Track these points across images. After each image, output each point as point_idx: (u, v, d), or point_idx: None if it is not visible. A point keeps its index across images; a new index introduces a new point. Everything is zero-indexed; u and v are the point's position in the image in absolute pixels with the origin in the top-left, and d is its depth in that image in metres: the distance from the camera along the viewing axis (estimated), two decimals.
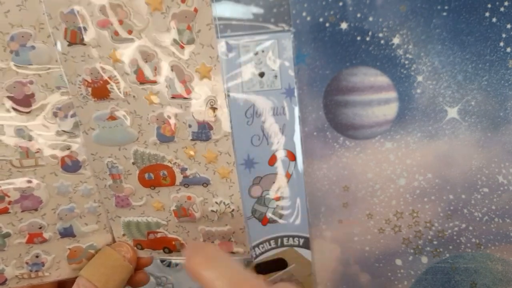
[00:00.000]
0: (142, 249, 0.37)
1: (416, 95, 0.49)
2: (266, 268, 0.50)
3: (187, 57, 0.32)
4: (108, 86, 0.33)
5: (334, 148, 0.50)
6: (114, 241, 0.37)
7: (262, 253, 0.50)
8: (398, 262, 0.49)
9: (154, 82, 0.32)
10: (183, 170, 0.34)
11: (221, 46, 0.47)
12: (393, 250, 0.49)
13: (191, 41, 0.31)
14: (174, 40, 0.31)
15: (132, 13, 0.31)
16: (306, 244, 0.49)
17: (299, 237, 0.49)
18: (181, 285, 0.49)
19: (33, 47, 0.32)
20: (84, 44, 0.32)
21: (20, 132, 0.33)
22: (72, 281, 0.35)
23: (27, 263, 0.35)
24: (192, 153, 0.34)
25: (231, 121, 0.33)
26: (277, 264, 0.50)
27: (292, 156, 0.49)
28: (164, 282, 0.48)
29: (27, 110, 0.33)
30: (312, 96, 0.49)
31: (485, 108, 0.49)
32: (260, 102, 0.49)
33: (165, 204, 0.35)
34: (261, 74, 0.49)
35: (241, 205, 0.35)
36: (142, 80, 0.32)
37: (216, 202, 0.35)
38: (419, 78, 0.49)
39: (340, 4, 0.49)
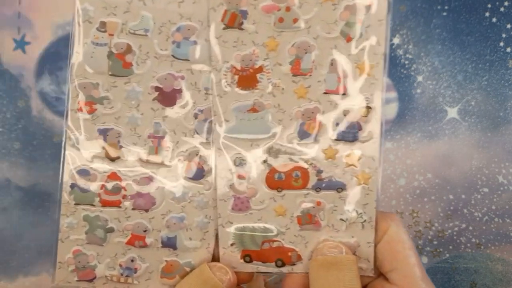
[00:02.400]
0: (250, 261, 0.33)
1: (416, 95, 0.49)
2: None
3: (350, 51, 0.30)
4: (258, 76, 0.31)
5: None
6: (213, 259, 0.34)
7: None
8: None
9: (308, 75, 0.31)
10: (318, 172, 0.32)
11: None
12: None
13: (360, 36, 0.30)
14: (341, 33, 0.30)
15: (302, 1, 0.30)
16: None
17: None
18: None
19: (194, 42, 0.31)
20: (242, 29, 0.30)
21: (157, 125, 0.32)
22: None
23: (120, 265, 0.33)
24: (331, 153, 0.32)
25: (382, 124, 0.31)
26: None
27: None
28: None
29: (170, 104, 0.32)
30: None
31: (485, 108, 0.49)
32: None
33: (289, 209, 0.32)
34: None
35: (374, 216, 0.32)
36: (297, 71, 0.31)
37: (348, 210, 0.32)
38: (419, 78, 0.49)
39: None
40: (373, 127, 0.31)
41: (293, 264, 0.33)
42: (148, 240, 0.33)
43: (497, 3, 0.49)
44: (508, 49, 0.49)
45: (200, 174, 0.32)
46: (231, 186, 0.33)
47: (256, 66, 0.31)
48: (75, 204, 0.33)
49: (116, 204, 0.32)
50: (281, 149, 0.32)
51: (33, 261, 0.50)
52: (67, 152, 0.32)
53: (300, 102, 0.31)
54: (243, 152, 0.32)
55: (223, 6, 0.30)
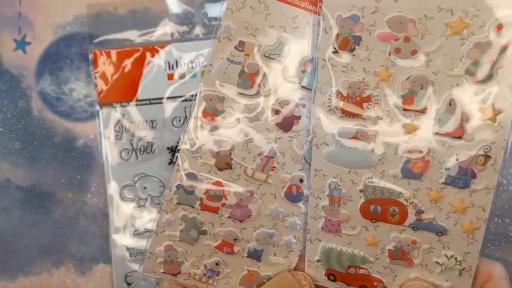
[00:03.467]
0: (334, 280, 0.33)
1: None
2: None
3: (474, 93, 0.27)
4: (365, 105, 0.29)
5: None
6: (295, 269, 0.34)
7: None
8: None
9: (422, 112, 0.28)
10: (418, 212, 0.30)
11: None
12: None
13: (487, 77, 0.27)
14: (466, 71, 0.27)
15: (425, 32, 0.27)
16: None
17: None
18: None
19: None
20: (353, 55, 0.28)
21: (268, 145, 0.32)
22: None
23: (205, 266, 0.35)
24: (436, 196, 0.30)
25: (500, 175, 0.28)
26: None
27: None
28: None
29: (286, 129, 0.32)
30: None
31: None
32: None
33: (381, 241, 0.31)
34: None
35: (475, 266, 0.30)
36: (409, 106, 0.28)
37: (446, 255, 0.31)
38: None
39: None
40: (490, 177, 0.29)
41: None
42: (235, 248, 0.34)
43: None
44: None
45: (299, 198, 0.33)
46: (323, 208, 0.32)
47: (364, 95, 0.29)
48: (177, 203, 0.34)
49: (214, 210, 0.34)
50: (380, 182, 0.30)
51: (33, 261, 0.50)
52: (179, 155, 0.33)
53: (408, 138, 0.29)
54: (340, 177, 0.31)
55: (335, 28, 0.28)
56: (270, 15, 0.30)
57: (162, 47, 0.48)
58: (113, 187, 0.48)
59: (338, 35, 0.28)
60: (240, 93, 0.32)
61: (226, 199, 0.34)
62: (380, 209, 0.30)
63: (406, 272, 0.31)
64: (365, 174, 0.30)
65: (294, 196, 0.33)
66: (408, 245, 0.31)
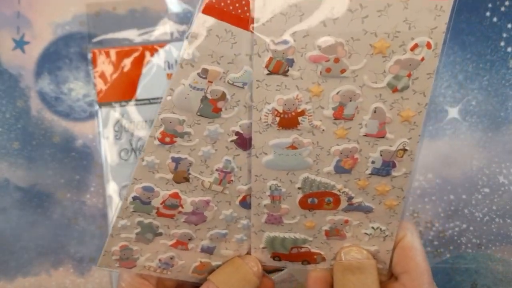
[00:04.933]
0: (280, 260, 0.37)
1: None
2: (266, 268, 0.49)
3: (394, 101, 0.31)
4: (300, 118, 0.32)
5: None
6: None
7: None
8: None
9: (351, 120, 0.32)
10: (350, 198, 0.35)
11: None
12: None
13: (405, 88, 0.31)
14: (388, 84, 0.31)
15: (352, 52, 0.30)
16: None
17: None
18: None
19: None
20: (287, 76, 0.31)
21: (227, 162, 0.34)
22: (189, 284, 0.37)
23: (160, 260, 0.37)
24: (364, 184, 0.34)
25: (416, 161, 0.33)
26: None
27: None
28: None
29: (245, 148, 0.34)
30: None
31: (485, 108, 0.49)
32: None
33: (318, 224, 0.36)
34: None
35: (396, 232, 0.35)
36: (339, 117, 0.32)
37: (372, 227, 0.36)
38: None
39: None
40: (407, 165, 0.33)
41: (318, 263, 0.37)
42: (190, 246, 0.36)
43: (498, 2, 0.49)
44: (509, 49, 0.49)
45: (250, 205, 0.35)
46: (266, 206, 0.35)
47: (299, 110, 0.32)
48: (133, 211, 0.35)
49: (171, 217, 0.35)
50: (316, 179, 0.34)
51: (32, 262, 0.50)
52: (135, 171, 0.34)
53: (339, 141, 0.33)
54: (279, 179, 0.34)
55: (268, 53, 0.30)
56: (236, 44, 0.31)
57: (161, 47, 0.47)
58: (112, 187, 0.48)
59: (271, 59, 0.30)
60: (201, 116, 0.32)
61: (182, 207, 0.35)
62: (317, 200, 0.35)
63: (340, 244, 0.36)
64: (302, 174, 0.34)
65: (248, 204, 0.36)
66: (341, 224, 0.36)
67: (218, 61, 0.31)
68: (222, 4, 0.30)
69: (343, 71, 0.31)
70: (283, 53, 0.30)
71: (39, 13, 0.49)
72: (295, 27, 0.30)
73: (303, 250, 0.37)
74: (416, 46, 0.30)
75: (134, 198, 0.35)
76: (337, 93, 0.31)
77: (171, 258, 0.37)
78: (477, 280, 0.49)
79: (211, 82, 0.31)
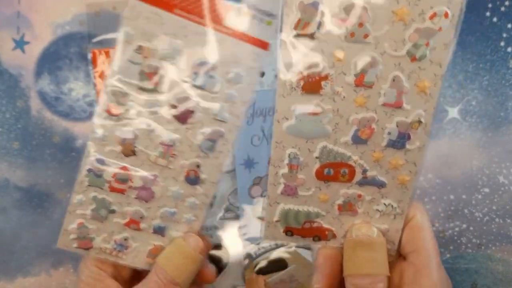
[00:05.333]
0: (292, 235, 0.38)
1: None
2: (267, 268, 0.50)
3: (412, 70, 0.33)
4: (323, 83, 0.33)
5: None
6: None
7: (263, 253, 0.50)
8: None
9: (370, 87, 0.33)
10: (364, 171, 0.36)
11: None
12: None
13: (423, 57, 0.32)
14: (408, 52, 0.32)
15: (374, 19, 0.32)
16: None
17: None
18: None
19: (211, 77, 0.36)
20: (313, 38, 0.33)
21: (169, 135, 0.37)
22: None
23: (115, 241, 0.39)
24: (379, 156, 0.35)
25: (428, 136, 0.35)
26: (278, 264, 0.50)
27: None
28: None
29: (182, 121, 0.37)
30: None
31: (485, 108, 0.49)
32: (260, 101, 0.49)
33: (331, 197, 0.36)
34: (262, 74, 0.49)
35: (406, 210, 0.36)
36: (360, 83, 0.33)
37: (384, 204, 0.36)
38: None
39: None
40: (421, 138, 0.34)
41: (328, 240, 0.37)
42: (142, 225, 0.39)
43: (498, 2, 0.49)
44: (509, 49, 0.49)
45: (196, 181, 0.38)
46: (283, 175, 0.36)
47: (323, 74, 0.33)
48: (88, 185, 0.38)
49: (121, 191, 0.38)
50: (334, 149, 0.35)
51: (32, 262, 0.50)
52: (89, 143, 0.38)
53: (358, 110, 0.34)
54: (298, 147, 0.35)
55: (298, 13, 0.32)
56: (164, 25, 0.35)
57: None
58: None
59: (299, 20, 0.32)
60: (141, 89, 0.36)
61: (132, 182, 0.38)
62: (333, 171, 0.36)
63: (351, 220, 0.37)
64: (320, 143, 0.35)
65: (192, 179, 0.38)
66: (354, 198, 0.36)
67: (149, 40, 0.35)
68: None
69: (366, 36, 0.32)
70: (312, 15, 0.32)
71: (39, 13, 0.49)
72: None
73: (315, 225, 0.37)
74: (434, 15, 0.31)
75: (89, 170, 0.38)
76: (360, 59, 0.33)
77: (125, 239, 0.39)
78: (477, 280, 0.49)
79: (146, 57, 0.36)
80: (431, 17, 0.32)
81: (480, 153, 0.49)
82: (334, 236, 0.37)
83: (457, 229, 0.49)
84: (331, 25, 0.32)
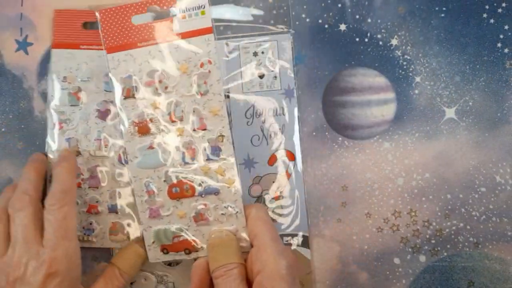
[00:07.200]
0: (167, 253, 0.47)
1: (414, 95, 0.49)
2: None
3: (204, 102, 0.45)
4: (149, 125, 0.46)
5: (333, 148, 0.50)
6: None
7: None
8: (396, 260, 0.50)
9: (182, 120, 0.45)
10: (200, 184, 0.46)
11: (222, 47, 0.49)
12: (391, 249, 0.50)
13: (206, 92, 0.45)
14: (196, 91, 0.45)
15: (168, 76, 0.45)
16: (305, 243, 0.50)
17: (298, 236, 0.50)
18: (181, 283, 0.50)
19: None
20: (135, 98, 0.45)
21: (98, 132, 0.48)
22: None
23: (83, 227, 0.48)
24: (206, 169, 0.45)
25: (233, 144, 0.46)
26: None
27: (291, 156, 0.49)
28: (166, 280, 0.49)
29: (104, 119, 0.48)
30: (311, 96, 0.50)
31: (482, 108, 0.49)
32: (260, 102, 0.49)
33: (187, 212, 0.46)
34: (261, 76, 0.49)
35: (243, 208, 0.46)
36: (173, 119, 0.46)
37: (225, 207, 0.46)
38: (417, 79, 0.49)
39: (339, 6, 0.50)
40: (228, 149, 0.45)
41: (197, 251, 0.46)
42: (99, 208, 0.48)
43: (495, 4, 0.49)
44: (506, 50, 0.49)
45: (125, 162, 0.48)
46: (146, 201, 0.46)
47: (148, 119, 0.46)
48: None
49: (79, 185, 0.48)
50: (174, 171, 0.46)
51: None
52: (49, 155, 0.48)
53: (180, 138, 0.46)
54: (150, 177, 0.46)
55: (121, 84, 0.45)
56: (76, 59, 0.48)
57: None
58: None
59: (123, 89, 0.45)
60: (72, 105, 0.48)
61: (83, 175, 0.48)
62: (179, 189, 0.46)
63: (208, 229, 0.46)
64: (163, 169, 0.46)
65: (125, 160, 0.48)
66: (202, 208, 0.46)
67: (70, 70, 0.48)
68: (62, 38, 0.48)
69: (166, 88, 0.45)
70: (129, 83, 0.45)
71: (42, 14, 0.49)
72: (134, 67, 0.45)
73: (181, 238, 0.46)
74: (202, 64, 0.45)
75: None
76: (168, 103, 0.45)
77: (91, 224, 0.48)
78: (474, 278, 0.49)
79: (70, 82, 0.48)
80: (201, 66, 0.45)
81: (477, 152, 0.49)
82: (201, 247, 0.46)
83: (454, 228, 0.49)
84: (143, 87, 0.45)
